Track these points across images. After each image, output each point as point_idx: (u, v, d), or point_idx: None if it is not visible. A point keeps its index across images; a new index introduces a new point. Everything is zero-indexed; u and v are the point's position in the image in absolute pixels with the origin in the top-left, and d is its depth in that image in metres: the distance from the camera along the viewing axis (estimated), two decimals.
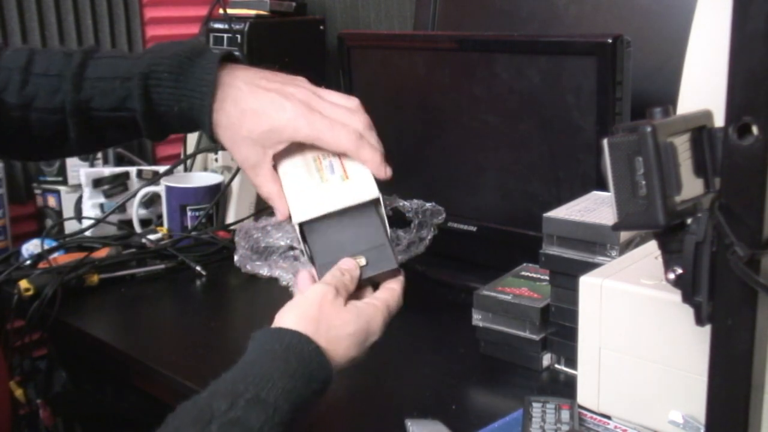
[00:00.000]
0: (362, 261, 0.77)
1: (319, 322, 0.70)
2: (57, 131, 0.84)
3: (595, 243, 0.86)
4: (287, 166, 0.82)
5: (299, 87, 0.81)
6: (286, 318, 0.71)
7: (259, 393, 0.64)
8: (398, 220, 1.18)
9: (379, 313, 0.74)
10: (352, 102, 0.82)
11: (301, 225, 0.78)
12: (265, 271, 1.21)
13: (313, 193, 0.79)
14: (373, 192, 0.79)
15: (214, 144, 0.84)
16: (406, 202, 1.17)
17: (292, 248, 1.23)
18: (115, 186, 1.43)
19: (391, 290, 0.77)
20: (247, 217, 1.40)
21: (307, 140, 0.79)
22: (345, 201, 0.78)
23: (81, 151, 0.91)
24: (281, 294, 1.16)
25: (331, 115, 0.79)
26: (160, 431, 0.62)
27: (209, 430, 0.60)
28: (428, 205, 1.17)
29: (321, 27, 1.66)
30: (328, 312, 0.71)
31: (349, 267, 0.77)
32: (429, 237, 1.16)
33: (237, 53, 0.86)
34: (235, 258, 1.24)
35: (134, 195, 1.39)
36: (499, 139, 1.11)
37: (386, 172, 0.79)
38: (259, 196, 1.45)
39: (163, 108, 0.82)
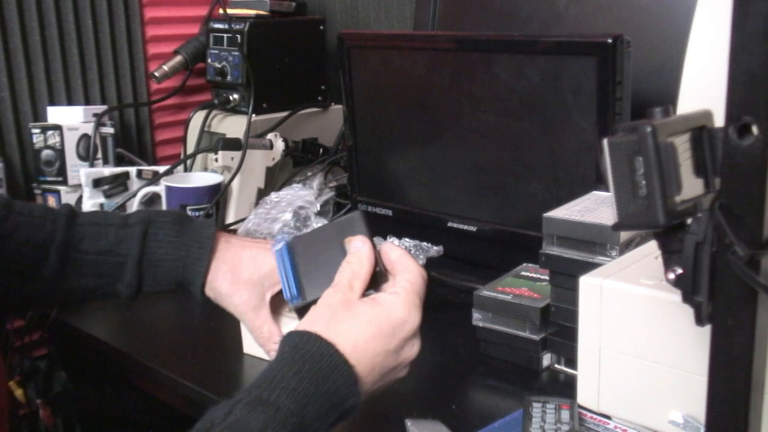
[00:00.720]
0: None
1: (329, 321, 0.66)
2: (32, 264, 0.80)
3: (595, 243, 0.86)
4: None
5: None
6: (300, 324, 0.69)
7: (260, 395, 0.61)
8: None
9: (399, 298, 0.68)
10: None
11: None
12: None
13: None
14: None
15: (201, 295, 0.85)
16: (397, 240, 1.16)
17: None
18: (115, 186, 1.43)
19: (410, 272, 0.71)
20: (248, 217, 1.40)
21: None
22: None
23: (46, 295, 0.84)
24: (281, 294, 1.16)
25: None
26: None
27: None
28: (424, 244, 1.16)
29: (321, 27, 1.66)
30: (338, 310, 0.67)
31: (356, 248, 0.72)
32: (424, 260, 1.16)
33: None
34: None
35: (134, 195, 1.39)
36: (499, 139, 1.11)
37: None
38: (259, 196, 1.46)
39: (158, 256, 0.82)
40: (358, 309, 0.68)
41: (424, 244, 1.16)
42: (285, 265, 0.77)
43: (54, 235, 0.80)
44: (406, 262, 0.72)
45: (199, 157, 1.53)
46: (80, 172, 1.42)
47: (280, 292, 0.81)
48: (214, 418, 0.60)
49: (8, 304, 0.83)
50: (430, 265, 1.18)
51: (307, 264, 0.77)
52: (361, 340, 0.65)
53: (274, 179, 1.52)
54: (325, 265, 0.74)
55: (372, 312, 0.67)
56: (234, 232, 1.37)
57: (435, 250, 1.16)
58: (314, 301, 0.71)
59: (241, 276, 0.82)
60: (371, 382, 0.67)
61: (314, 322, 0.67)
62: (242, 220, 1.39)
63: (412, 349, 0.70)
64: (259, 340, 0.83)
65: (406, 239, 1.17)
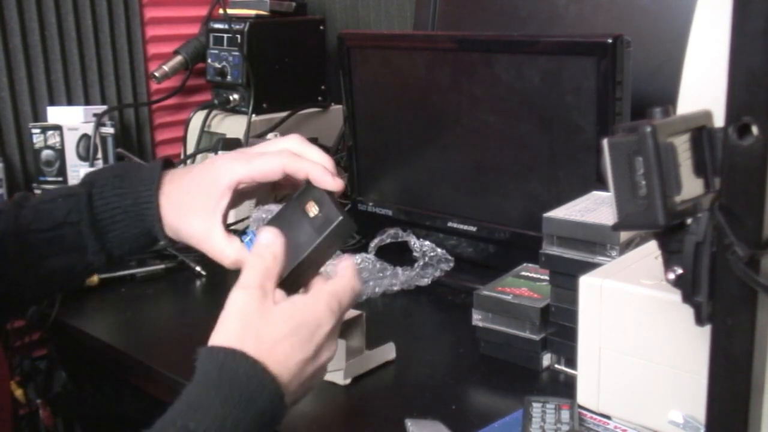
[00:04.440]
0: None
1: (246, 334, 0.63)
2: None
3: (595, 243, 0.86)
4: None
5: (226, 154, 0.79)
6: (216, 336, 0.65)
7: (187, 424, 0.58)
8: (404, 255, 1.19)
9: (318, 302, 0.66)
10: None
11: None
12: None
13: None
14: (335, 216, 0.71)
15: (168, 241, 0.80)
16: (417, 241, 1.17)
17: None
18: None
19: (338, 277, 0.69)
20: (247, 218, 1.40)
21: (246, 178, 0.75)
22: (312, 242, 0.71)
23: (22, 290, 0.81)
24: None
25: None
26: None
27: None
28: (439, 251, 1.16)
29: (321, 27, 1.66)
30: (256, 319, 0.64)
31: (267, 241, 0.69)
32: (430, 279, 1.16)
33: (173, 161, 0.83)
34: None
35: None
36: (499, 139, 1.11)
37: (335, 182, 0.73)
38: (259, 197, 1.45)
39: (109, 212, 0.78)
40: (275, 317, 0.65)
41: (440, 250, 1.17)
42: None
43: (6, 223, 0.77)
44: (343, 271, 0.70)
45: (199, 157, 1.53)
46: (80, 172, 1.42)
47: (239, 194, 0.76)
48: None
49: None
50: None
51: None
52: (282, 353, 0.64)
53: None
54: (294, 240, 0.70)
55: (289, 317, 0.65)
56: (234, 232, 1.37)
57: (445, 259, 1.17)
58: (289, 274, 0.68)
59: (185, 205, 0.76)
60: (294, 393, 0.65)
61: (232, 335, 0.64)
62: (242, 220, 1.40)
63: (328, 353, 0.68)
64: (230, 266, 0.76)
65: (426, 242, 1.17)
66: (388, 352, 0.95)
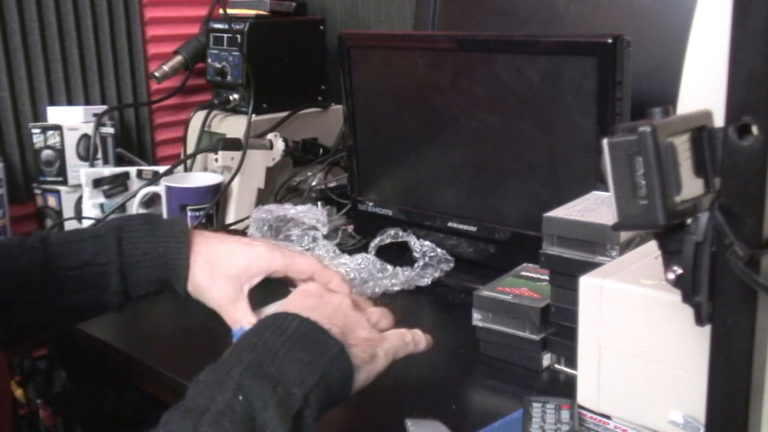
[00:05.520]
0: None
1: (296, 305, 0.72)
2: (19, 291, 0.80)
3: (595, 243, 0.86)
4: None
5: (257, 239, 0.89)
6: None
7: (290, 388, 0.61)
8: (404, 255, 1.19)
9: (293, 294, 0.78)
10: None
11: None
12: None
13: None
14: None
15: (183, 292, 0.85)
16: (417, 241, 1.17)
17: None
18: (115, 186, 1.43)
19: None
20: (247, 218, 1.40)
21: (281, 269, 0.84)
22: None
23: (37, 321, 0.83)
24: (281, 294, 1.16)
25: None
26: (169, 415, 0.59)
27: (201, 423, 0.57)
28: (439, 251, 1.17)
29: (321, 27, 1.66)
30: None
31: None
32: (430, 279, 1.16)
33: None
34: None
35: (134, 195, 1.39)
36: (499, 139, 1.11)
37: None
38: (259, 196, 1.46)
39: (137, 257, 0.82)
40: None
41: (440, 250, 1.17)
42: None
43: (33, 258, 0.80)
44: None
45: (199, 157, 1.53)
46: (80, 172, 1.42)
47: (258, 285, 0.83)
48: (215, 397, 0.59)
49: (4, 338, 0.82)
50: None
51: None
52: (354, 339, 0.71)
53: (274, 179, 1.52)
54: None
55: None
56: (234, 232, 1.37)
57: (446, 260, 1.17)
58: None
59: (218, 269, 0.82)
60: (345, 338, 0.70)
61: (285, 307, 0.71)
62: (242, 220, 1.40)
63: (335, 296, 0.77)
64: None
65: (426, 242, 1.18)
66: None
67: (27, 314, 0.81)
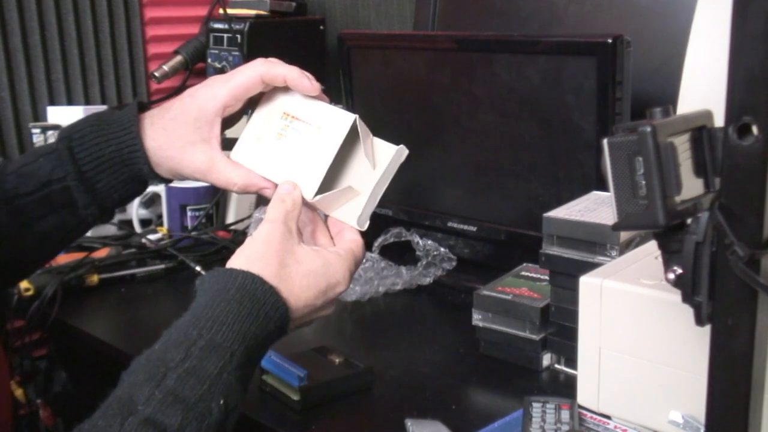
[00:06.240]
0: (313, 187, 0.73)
1: (270, 260, 0.67)
2: None
3: (595, 243, 0.86)
4: (249, 154, 0.78)
5: None
6: (236, 260, 0.68)
7: (213, 337, 0.61)
8: (406, 254, 1.19)
9: (342, 260, 0.71)
10: None
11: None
12: None
13: (300, 159, 0.75)
14: (347, 117, 0.79)
15: (160, 181, 0.81)
16: (420, 240, 1.17)
17: None
18: None
19: (355, 241, 0.74)
20: (247, 217, 1.40)
21: (230, 98, 0.76)
22: (333, 146, 0.76)
23: (18, 256, 0.81)
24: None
25: None
26: (116, 391, 0.59)
27: (165, 385, 0.58)
28: (442, 250, 1.17)
29: (321, 27, 1.66)
30: (279, 249, 0.68)
31: (287, 190, 0.73)
32: (432, 278, 1.16)
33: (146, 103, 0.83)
34: None
35: None
36: (499, 139, 1.11)
37: (312, 84, 0.81)
38: (259, 196, 1.45)
39: (93, 161, 0.77)
40: (301, 257, 0.69)
41: (443, 249, 1.17)
42: None
43: None
44: (352, 229, 0.75)
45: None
46: None
47: (225, 119, 0.77)
48: (167, 360, 0.59)
49: None
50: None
51: None
52: (298, 289, 0.68)
53: None
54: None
55: (314, 264, 0.69)
56: (234, 232, 1.37)
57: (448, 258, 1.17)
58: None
59: (178, 142, 0.76)
60: (294, 327, 0.70)
61: (256, 261, 0.67)
62: (242, 220, 1.40)
63: (328, 310, 0.73)
64: (239, 191, 0.79)
65: (429, 241, 1.18)
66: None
67: (2, 252, 0.78)
